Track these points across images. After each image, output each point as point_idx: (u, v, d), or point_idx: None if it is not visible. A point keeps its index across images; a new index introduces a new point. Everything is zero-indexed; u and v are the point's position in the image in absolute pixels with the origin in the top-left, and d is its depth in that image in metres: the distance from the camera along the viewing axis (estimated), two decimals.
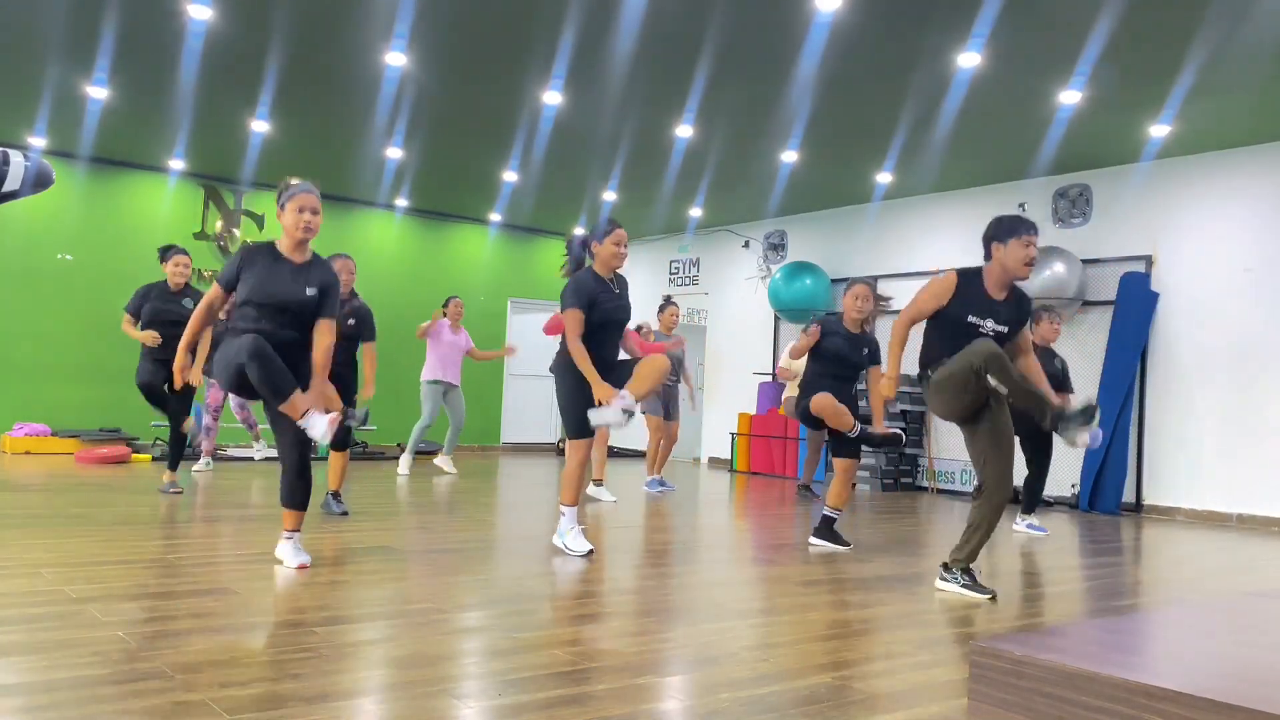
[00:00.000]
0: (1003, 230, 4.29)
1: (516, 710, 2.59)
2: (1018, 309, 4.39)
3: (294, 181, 4.36)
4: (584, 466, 5.08)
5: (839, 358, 5.71)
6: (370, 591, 4.01)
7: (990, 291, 4.33)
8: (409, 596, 3.94)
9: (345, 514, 6.25)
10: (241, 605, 3.65)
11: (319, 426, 4.11)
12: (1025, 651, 1.40)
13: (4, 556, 4.38)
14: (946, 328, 4.31)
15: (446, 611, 3.70)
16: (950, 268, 4.46)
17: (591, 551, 5.08)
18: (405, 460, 9.27)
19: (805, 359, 5.88)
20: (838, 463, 5.76)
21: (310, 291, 4.31)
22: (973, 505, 4.38)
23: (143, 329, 6.84)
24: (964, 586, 4.45)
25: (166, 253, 7.00)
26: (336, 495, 6.37)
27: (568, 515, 5.14)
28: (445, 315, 9.18)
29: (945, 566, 4.55)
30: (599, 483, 7.96)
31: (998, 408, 4.26)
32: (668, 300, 8.93)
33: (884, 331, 7.90)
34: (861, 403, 7.06)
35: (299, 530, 4.52)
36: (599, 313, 5.00)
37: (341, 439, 6.25)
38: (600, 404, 4.81)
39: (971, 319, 4.27)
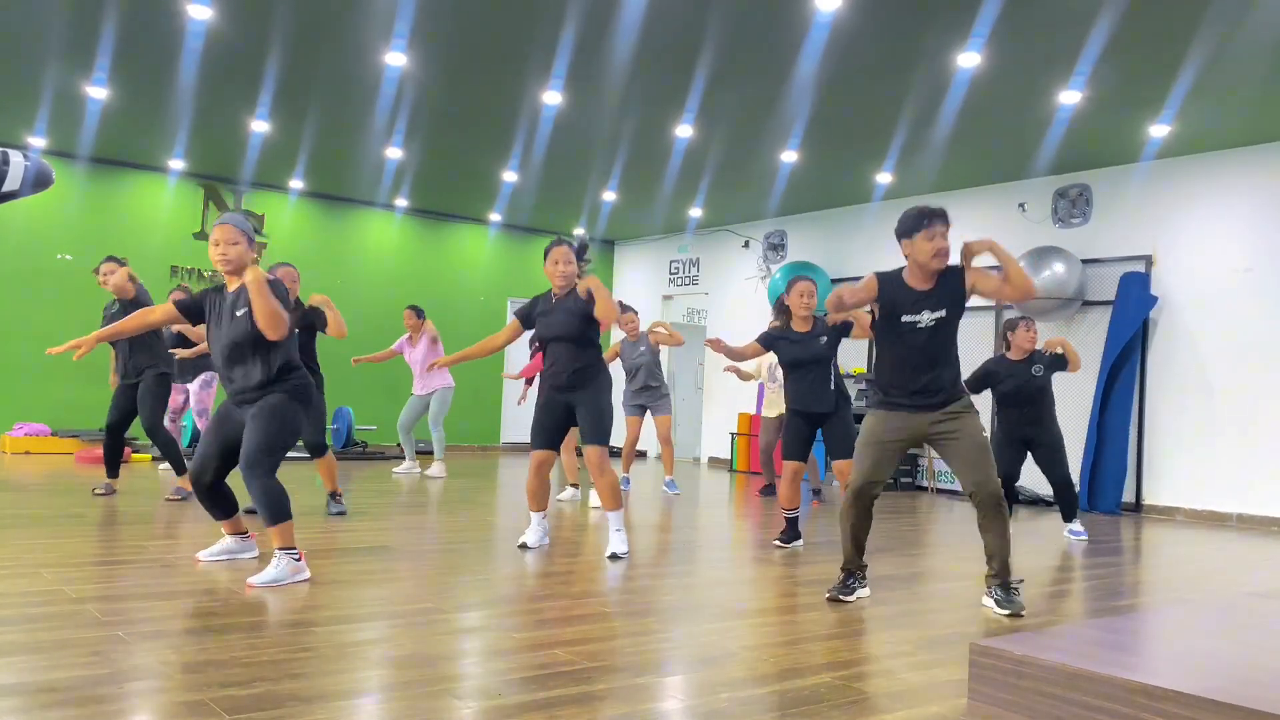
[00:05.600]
0: (908, 226, 4.19)
1: (516, 710, 2.59)
2: (949, 285, 4.21)
3: (222, 214, 4.40)
4: (535, 476, 5.26)
5: (794, 362, 5.70)
6: (370, 591, 4.01)
7: (915, 286, 4.22)
8: (409, 596, 3.94)
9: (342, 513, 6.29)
10: (241, 605, 3.65)
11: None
12: (1025, 651, 1.40)
13: (4, 556, 4.38)
14: (885, 330, 4.24)
15: (446, 611, 3.70)
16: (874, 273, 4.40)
17: (523, 545, 5.28)
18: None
19: (760, 362, 5.91)
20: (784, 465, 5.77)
21: (240, 312, 4.25)
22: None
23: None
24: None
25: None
26: (334, 495, 6.38)
27: (533, 520, 5.38)
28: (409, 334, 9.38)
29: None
30: (574, 486, 7.89)
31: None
32: (622, 307, 8.56)
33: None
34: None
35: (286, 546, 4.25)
36: (538, 330, 5.26)
37: (319, 445, 6.26)
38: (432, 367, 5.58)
39: (905, 318, 4.18)
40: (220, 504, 4.42)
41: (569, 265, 5.18)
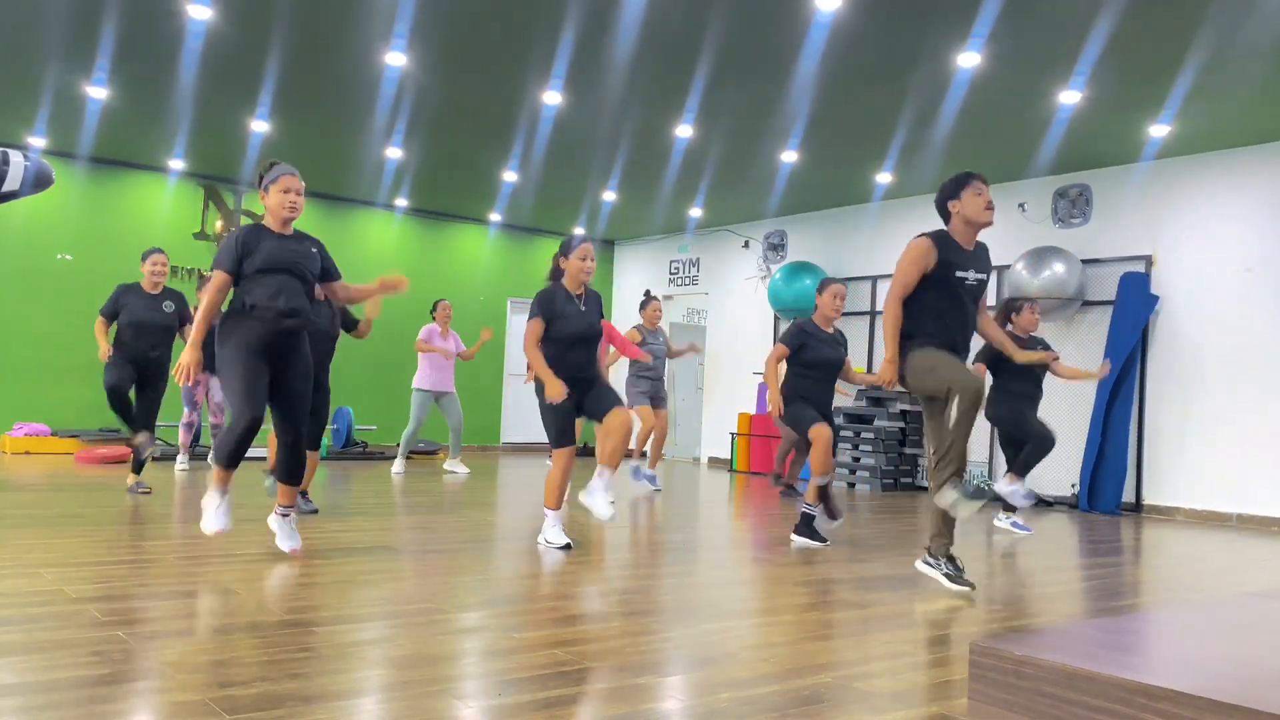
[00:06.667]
0: (953, 187, 4.42)
1: (516, 710, 2.59)
2: (985, 259, 4.54)
3: (276, 163, 4.63)
4: (566, 474, 5.26)
5: (822, 362, 5.78)
6: (370, 591, 4.01)
7: (962, 245, 4.44)
8: (409, 596, 3.95)
9: (315, 511, 6.19)
10: (241, 605, 3.65)
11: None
12: (1025, 651, 1.40)
13: (4, 556, 4.38)
14: (939, 285, 4.35)
15: (446, 611, 3.70)
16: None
17: (569, 545, 5.24)
18: (399, 462, 9.56)
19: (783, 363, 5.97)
20: (814, 432, 5.66)
21: (314, 250, 4.65)
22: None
23: (120, 332, 6.69)
24: (946, 575, 4.58)
25: (146, 255, 6.83)
26: (304, 494, 6.20)
27: (549, 518, 5.32)
28: (435, 320, 9.57)
29: (928, 550, 4.73)
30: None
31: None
32: (649, 296, 8.60)
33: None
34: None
35: (293, 507, 4.74)
36: (563, 327, 5.16)
37: (315, 438, 6.03)
38: (550, 399, 5.00)
39: (959, 273, 4.37)
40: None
41: (594, 262, 5.29)
